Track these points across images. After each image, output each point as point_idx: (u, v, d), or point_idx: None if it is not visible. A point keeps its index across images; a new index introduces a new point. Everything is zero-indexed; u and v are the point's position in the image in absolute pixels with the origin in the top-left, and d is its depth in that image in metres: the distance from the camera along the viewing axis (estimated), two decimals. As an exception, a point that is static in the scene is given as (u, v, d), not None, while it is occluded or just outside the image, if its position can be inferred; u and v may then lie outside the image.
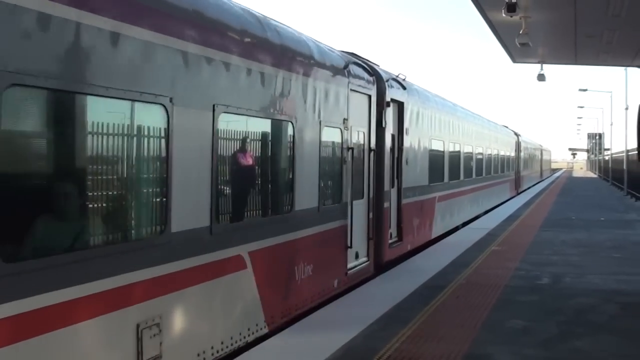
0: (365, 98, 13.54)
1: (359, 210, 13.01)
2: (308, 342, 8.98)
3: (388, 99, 14.68)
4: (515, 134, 46.55)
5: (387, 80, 14.93)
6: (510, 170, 41.98)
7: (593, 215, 29.39)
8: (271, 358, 8.42)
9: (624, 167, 48.63)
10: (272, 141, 9.87)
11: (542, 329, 9.77)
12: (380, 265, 14.30)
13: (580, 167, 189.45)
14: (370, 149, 13.57)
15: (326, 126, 11.26)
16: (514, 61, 24.14)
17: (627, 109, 53.50)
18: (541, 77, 24.73)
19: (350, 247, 12.29)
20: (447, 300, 11.60)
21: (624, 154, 49.45)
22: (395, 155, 15.85)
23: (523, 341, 9.16)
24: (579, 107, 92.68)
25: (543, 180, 75.05)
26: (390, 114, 15.13)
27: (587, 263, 15.85)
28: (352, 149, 12.36)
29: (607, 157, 77.92)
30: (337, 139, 11.96)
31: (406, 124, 16.54)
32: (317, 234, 10.90)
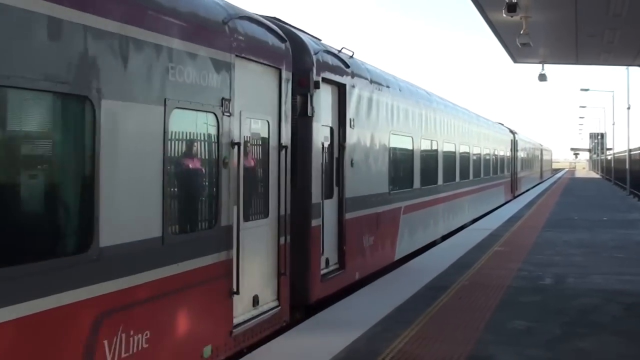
0: (271, 73, 9.53)
1: (258, 234, 9.07)
2: (311, 344, 8.98)
3: (318, 77, 10.96)
4: (511, 131, 42.69)
5: (317, 53, 11.15)
6: (505, 172, 37.97)
7: (595, 215, 29.35)
8: (275, 359, 8.42)
9: (627, 166, 48.61)
10: (32, 128, 5.84)
11: (545, 329, 9.76)
12: (309, 307, 10.98)
13: (583, 167, 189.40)
14: (280, 146, 9.56)
15: (180, 108, 7.30)
16: (515, 61, 24.11)
17: (629, 108, 53.51)
18: (542, 77, 24.68)
19: (237, 292, 8.29)
20: (450, 301, 11.58)
21: (627, 154, 49.42)
22: (335, 154, 12.11)
23: (526, 342, 9.15)
24: (580, 106, 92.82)
25: (543, 181, 73.01)
26: (326, 99, 11.67)
27: (590, 263, 15.83)
28: (240, 144, 8.38)
29: (609, 157, 77.93)
30: (209, 129, 8.01)
31: (351, 114, 12.57)
32: (160, 282, 6.87)
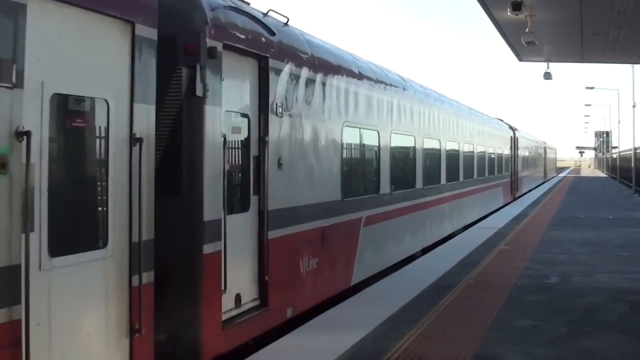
0: (116, 29, 6.44)
1: (84, 275, 6.04)
2: (317, 343, 8.98)
3: (216, 43, 7.88)
4: (511, 127, 39.47)
5: (215, 9, 8.13)
6: (504, 171, 34.87)
7: (601, 213, 29.30)
8: (280, 359, 8.42)
9: (632, 165, 48.53)
10: None
11: (551, 328, 9.75)
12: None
13: (588, 165, 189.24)
14: (132, 138, 6.58)
15: None
16: (520, 60, 24.11)
17: (634, 106, 53.45)
18: (547, 76, 24.70)
19: None
20: (455, 300, 11.58)
21: (632, 152, 49.33)
22: (253, 152, 9.09)
23: (532, 341, 9.14)
24: (586, 105, 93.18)
25: (547, 180, 71.19)
26: (236, 75, 8.70)
27: (596, 262, 15.80)
28: (30, 134, 5.32)
29: (614, 155, 77.83)
30: None
31: (278, 98, 9.55)
32: None
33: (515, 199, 38.28)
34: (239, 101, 8.90)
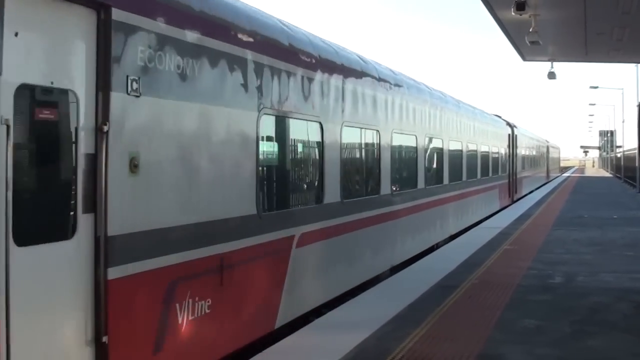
0: None
1: None
2: (321, 343, 8.99)
3: None
4: (509, 124, 36.43)
5: None
6: (500, 172, 32.06)
7: (605, 213, 29.26)
8: (284, 359, 8.44)
9: (636, 164, 48.47)
10: None
11: (555, 328, 9.75)
12: None
13: (592, 164, 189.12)
14: None
15: None
16: (524, 59, 24.15)
17: (638, 105, 53.39)
18: (552, 75, 24.75)
19: None
20: (460, 300, 11.58)
21: (636, 151, 49.26)
22: (83, 148, 6.11)
23: (536, 340, 9.13)
24: (590, 104, 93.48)
25: (550, 181, 68.38)
26: (47, 31, 5.80)
27: (600, 261, 15.79)
28: None
29: (619, 155, 77.78)
30: None
31: (132, 70, 6.59)
32: None
33: (513, 202, 35.61)
34: (53, 70, 5.84)
